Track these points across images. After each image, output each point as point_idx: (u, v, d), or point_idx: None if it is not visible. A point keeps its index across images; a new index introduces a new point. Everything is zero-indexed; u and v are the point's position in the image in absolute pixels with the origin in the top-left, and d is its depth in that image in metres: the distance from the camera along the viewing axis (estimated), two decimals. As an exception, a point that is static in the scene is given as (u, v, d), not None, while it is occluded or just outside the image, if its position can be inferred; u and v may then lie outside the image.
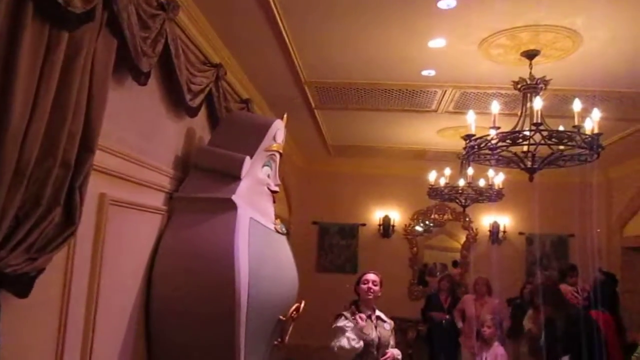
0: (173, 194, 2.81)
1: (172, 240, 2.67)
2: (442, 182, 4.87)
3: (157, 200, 2.69)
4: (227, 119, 3.13)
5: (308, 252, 7.19)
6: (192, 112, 2.97)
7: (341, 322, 3.41)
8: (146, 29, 2.27)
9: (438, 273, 7.23)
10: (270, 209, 3.03)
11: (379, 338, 3.33)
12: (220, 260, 2.51)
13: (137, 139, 2.45)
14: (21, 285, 1.52)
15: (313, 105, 4.61)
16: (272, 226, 2.94)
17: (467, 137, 3.02)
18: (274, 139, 3.01)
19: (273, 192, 3.05)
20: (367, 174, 7.13)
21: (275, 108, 4.67)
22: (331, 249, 7.29)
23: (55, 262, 1.81)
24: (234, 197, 2.73)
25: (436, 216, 7.34)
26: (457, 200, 4.75)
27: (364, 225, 7.32)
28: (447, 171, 4.80)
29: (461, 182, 4.72)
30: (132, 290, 2.49)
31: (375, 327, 3.38)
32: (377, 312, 3.51)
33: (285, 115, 3.24)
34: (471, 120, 2.96)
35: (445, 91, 4.00)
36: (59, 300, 1.90)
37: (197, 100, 2.98)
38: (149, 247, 2.62)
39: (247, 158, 2.84)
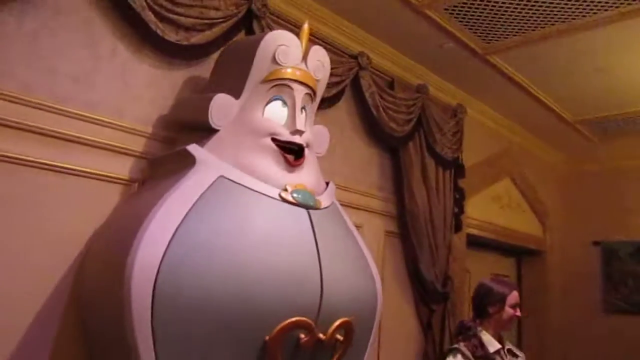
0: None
1: (112, 216, 1.91)
2: None
3: (115, 164, 2.00)
4: (222, 54, 2.23)
5: (587, 284, 5.06)
6: (183, 54, 2.23)
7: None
8: None
9: None
10: (280, 168, 1.92)
11: None
12: (126, 235, 1.62)
13: (51, 78, 1.86)
14: None
15: (478, 50, 3.16)
16: (274, 192, 1.84)
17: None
18: (275, 60, 1.96)
19: (289, 144, 1.95)
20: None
21: (424, 63, 3.44)
22: (624, 279, 4.93)
23: None
24: (192, 148, 1.82)
25: None
26: None
27: (674, 242, 4.77)
28: None
29: None
30: (53, 274, 1.82)
31: None
32: (507, 343, 2.42)
33: (305, 25, 2.12)
34: None
35: None
36: None
37: (197, 38, 2.23)
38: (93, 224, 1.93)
39: (219, 97, 1.89)
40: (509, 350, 2.35)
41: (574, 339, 4.90)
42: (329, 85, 2.79)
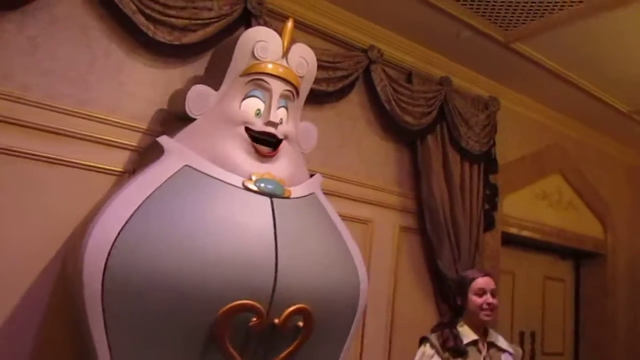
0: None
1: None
2: None
3: (109, 157, 2.17)
4: (214, 52, 2.33)
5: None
6: (177, 53, 2.36)
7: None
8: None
9: None
10: (250, 158, 1.98)
11: None
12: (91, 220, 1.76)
13: (48, 79, 2.06)
14: None
15: (499, 38, 3.02)
16: (237, 181, 1.91)
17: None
18: (254, 55, 2.02)
19: (262, 135, 2.01)
20: None
21: (445, 54, 3.33)
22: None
23: None
24: (161, 139, 1.94)
25: None
26: None
27: None
28: None
29: None
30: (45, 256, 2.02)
31: None
32: (491, 336, 2.16)
33: (289, 23, 2.13)
34: None
35: None
36: None
37: (190, 38, 2.35)
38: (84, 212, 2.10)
39: (195, 87, 2.02)
40: (491, 344, 2.15)
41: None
42: (335, 80, 2.82)
